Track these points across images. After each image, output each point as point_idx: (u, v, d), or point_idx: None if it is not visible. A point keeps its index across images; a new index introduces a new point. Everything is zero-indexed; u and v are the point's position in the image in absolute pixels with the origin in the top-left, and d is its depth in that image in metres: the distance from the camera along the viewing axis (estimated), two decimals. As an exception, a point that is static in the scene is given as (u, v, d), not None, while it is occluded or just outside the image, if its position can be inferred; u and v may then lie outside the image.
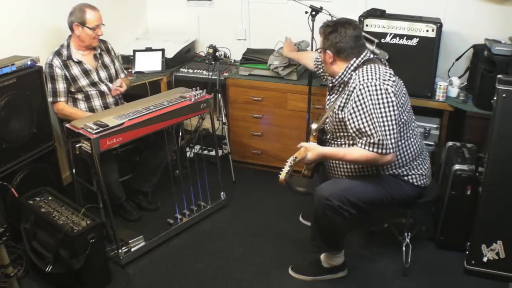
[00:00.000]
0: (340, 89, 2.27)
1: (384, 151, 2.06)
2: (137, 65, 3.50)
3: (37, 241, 2.39)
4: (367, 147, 2.08)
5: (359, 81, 2.11)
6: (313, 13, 2.97)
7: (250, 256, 2.65)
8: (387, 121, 2.07)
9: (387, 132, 2.06)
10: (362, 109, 2.08)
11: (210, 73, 3.38)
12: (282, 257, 2.62)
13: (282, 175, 2.06)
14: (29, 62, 2.59)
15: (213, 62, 3.31)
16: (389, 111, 2.07)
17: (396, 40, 2.87)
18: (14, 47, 2.75)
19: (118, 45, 3.51)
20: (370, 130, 2.07)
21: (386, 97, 2.07)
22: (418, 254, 2.59)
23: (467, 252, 2.45)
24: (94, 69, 2.90)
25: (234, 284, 2.44)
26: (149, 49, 3.55)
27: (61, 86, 2.80)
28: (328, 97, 2.40)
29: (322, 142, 2.40)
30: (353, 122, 2.11)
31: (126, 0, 3.75)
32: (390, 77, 2.14)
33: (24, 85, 2.56)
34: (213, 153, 3.44)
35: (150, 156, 2.97)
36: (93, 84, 2.88)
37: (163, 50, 3.54)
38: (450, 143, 2.76)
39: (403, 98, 2.17)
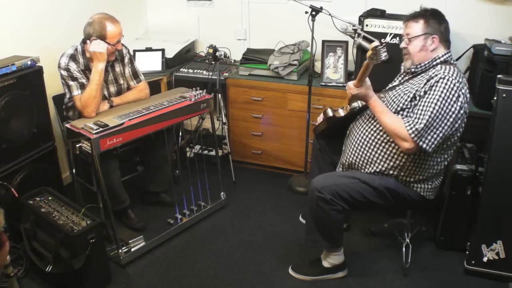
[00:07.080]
0: (419, 77, 2.22)
1: (418, 140, 2.04)
2: (137, 65, 3.48)
3: (37, 241, 2.39)
4: (409, 127, 2.05)
5: (443, 73, 2.07)
6: (313, 13, 2.97)
7: (250, 256, 2.65)
8: (442, 120, 2.04)
9: (435, 129, 2.04)
10: (432, 95, 2.05)
11: (210, 73, 3.38)
12: (282, 257, 2.62)
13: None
14: (29, 62, 2.59)
15: (213, 62, 3.31)
16: (450, 114, 2.05)
17: (396, 40, 2.87)
18: (14, 47, 2.75)
19: (118, 45, 3.51)
20: (422, 114, 2.04)
21: (456, 102, 2.05)
22: (418, 254, 2.59)
23: (467, 252, 2.45)
24: (105, 83, 2.73)
25: (234, 284, 2.44)
26: (149, 49, 3.55)
27: (84, 81, 2.62)
28: (393, 83, 2.40)
29: (354, 114, 2.37)
30: (414, 100, 2.10)
31: (126, 0, 3.75)
32: (467, 91, 2.13)
33: (24, 85, 2.56)
34: (213, 153, 3.44)
35: (150, 157, 2.97)
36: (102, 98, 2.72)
37: (163, 50, 3.54)
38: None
39: (464, 114, 2.14)
